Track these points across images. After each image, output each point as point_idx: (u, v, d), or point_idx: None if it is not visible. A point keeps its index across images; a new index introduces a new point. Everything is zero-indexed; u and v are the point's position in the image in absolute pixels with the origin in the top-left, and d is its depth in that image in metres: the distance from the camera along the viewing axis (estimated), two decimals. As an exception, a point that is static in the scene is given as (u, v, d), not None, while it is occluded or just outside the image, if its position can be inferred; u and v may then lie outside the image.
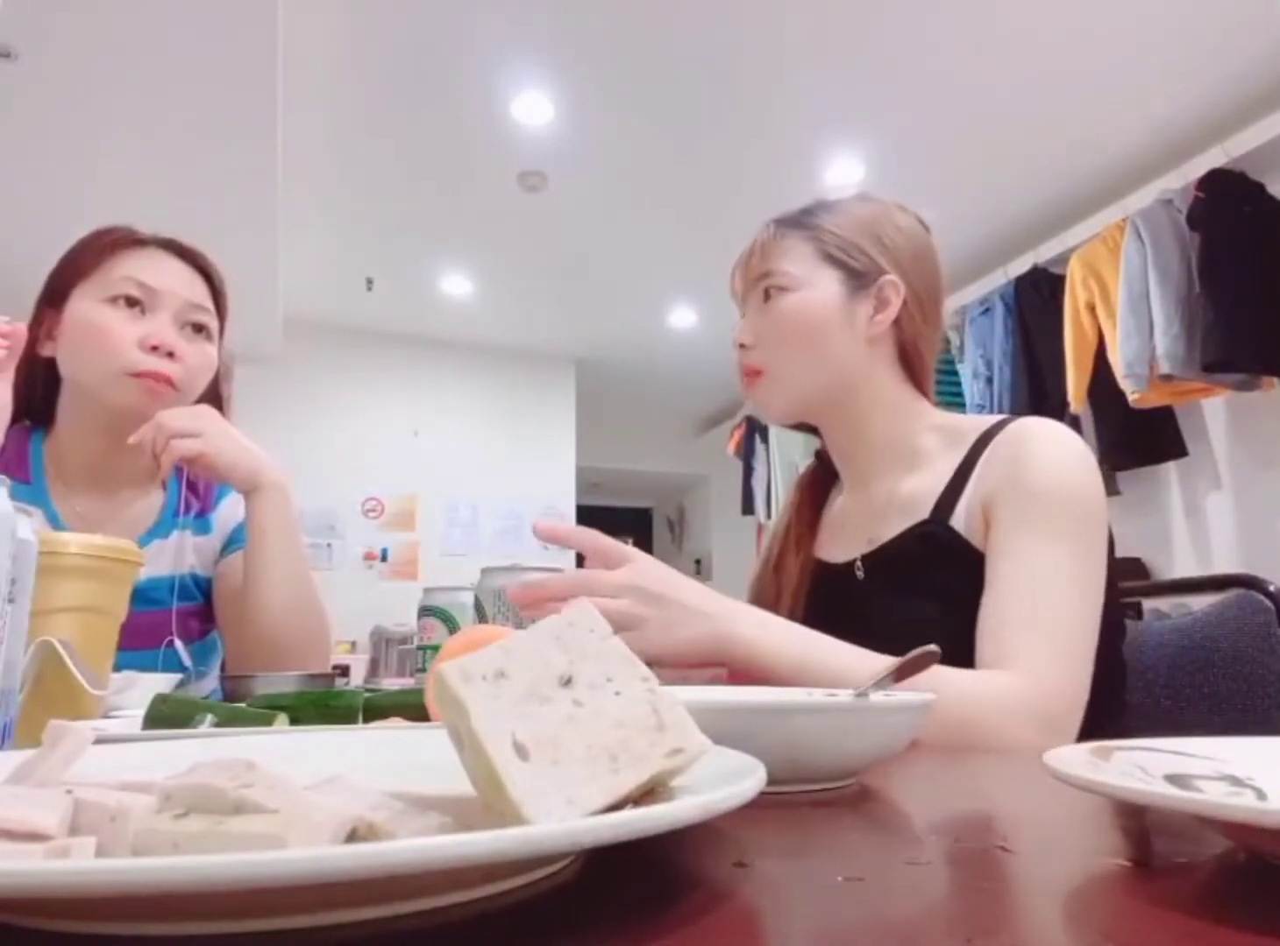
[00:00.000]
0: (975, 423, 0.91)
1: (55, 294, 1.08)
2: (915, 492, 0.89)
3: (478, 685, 0.27)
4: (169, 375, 1.05)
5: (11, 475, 0.99)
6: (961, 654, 0.78)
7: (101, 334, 1.03)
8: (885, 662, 0.67)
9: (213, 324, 1.13)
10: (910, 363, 0.93)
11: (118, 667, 0.95)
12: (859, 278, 0.90)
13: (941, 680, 0.70)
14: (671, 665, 0.75)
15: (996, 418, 0.90)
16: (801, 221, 0.93)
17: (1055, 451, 0.82)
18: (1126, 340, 3.12)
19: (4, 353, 0.90)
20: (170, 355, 1.06)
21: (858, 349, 0.91)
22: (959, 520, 0.84)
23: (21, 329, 0.92)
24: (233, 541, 1.18)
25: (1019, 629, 0.75)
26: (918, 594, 0.86)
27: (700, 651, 0.70)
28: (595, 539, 0.73)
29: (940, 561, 0.85)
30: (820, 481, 1.07)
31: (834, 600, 0.94)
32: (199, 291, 1.12)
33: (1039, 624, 0.75)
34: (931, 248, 0.96)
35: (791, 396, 0.93)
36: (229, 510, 1.20)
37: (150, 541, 1.11)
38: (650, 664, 0.76)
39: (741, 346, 0.94)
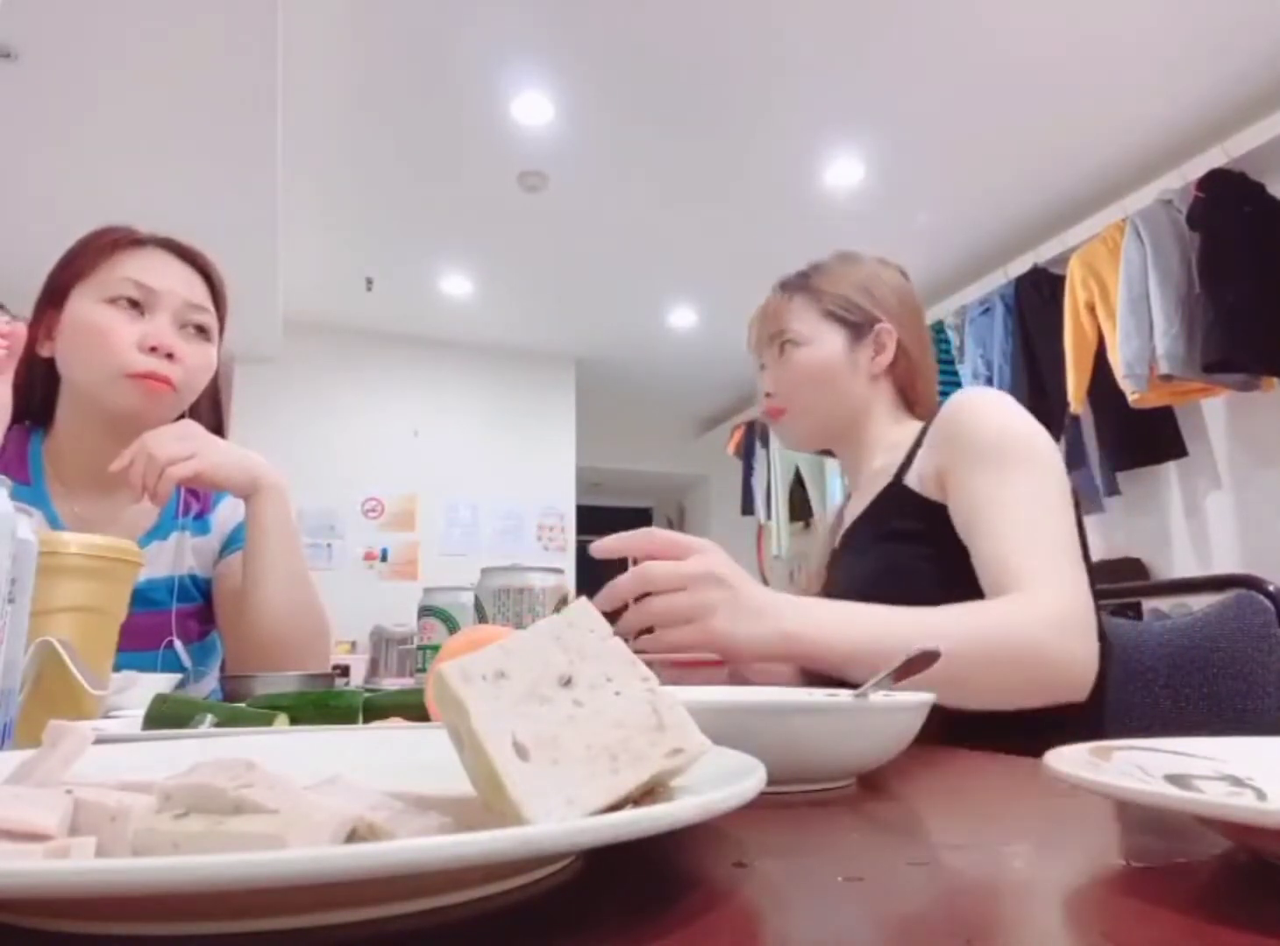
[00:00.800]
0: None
1: (55, 294, 1.07)
2: (886, 467, 1.02)
3: (478, 685, 0.27)
4: (168, 376, 1.05)
5: (11, 476, 0.99)
6: (909, 587, 0.88)
7: (100, 335, 1.03)
8: (939, 613, 0.74)
9: (212, 324, 1.13)
10: (908, 394, 1.09)
11: (117, 668, 0.95)
12: (856, 329, 1.06)
13: (959, 611, 0.75)
14: (733, 661, 0.79)
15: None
16: (804, 286, 1.10)
17: (987, 403, 0.93)
18: (1126, 340, 3.12)
19: (3, 352, 0.89)
20: (169, 356, 1.05)
21: (861, 388, 1.07)
22: (913, 479, 0.96)
23: (21, 329, 0.91)
24: (232, 542, 1.17)
25: (1017, 555, 0.81)
26: (876, 540, 0.98)
27: (765, 649, 0.72)
28: (653, 536, 0.74)
29: (895, 512, 0.96)
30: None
31: (832, 569, 1.08)
32: (198, 291, 1.12)
33: (1032, 545, 0.81)
34: (912, 294, 1.12)
35: (808, 429, 1.11)
36: (228, 511, 1.20)
37: (149, 542, 1.11)
38: (721, 656, 0.75)
39: (766, 394, 1.13)
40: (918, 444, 0.98)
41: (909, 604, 0.76)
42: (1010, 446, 0.88)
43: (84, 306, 1.05)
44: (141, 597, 1.01)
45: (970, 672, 0.72)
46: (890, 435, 1.07)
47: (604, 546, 0.74)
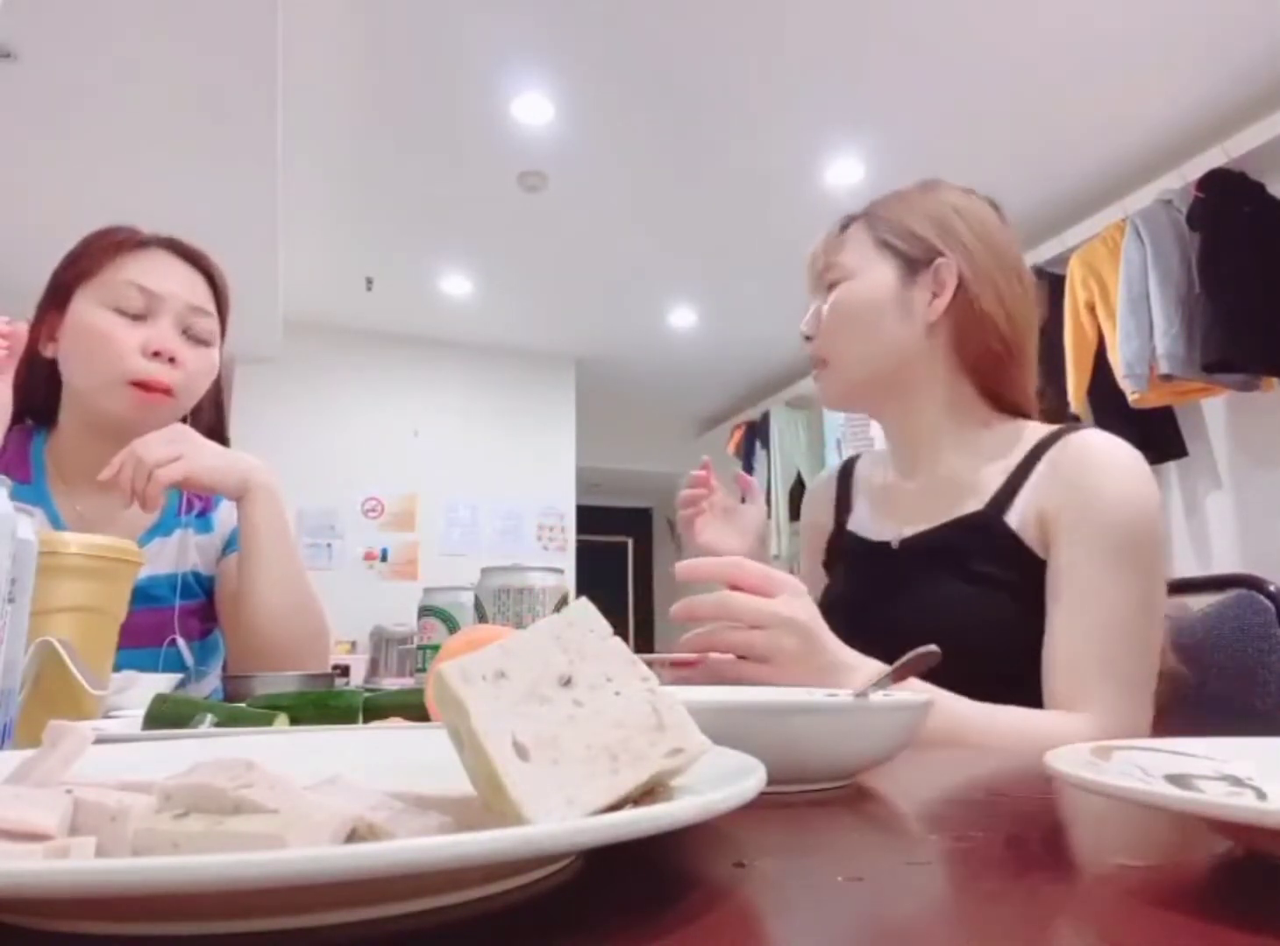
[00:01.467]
0: (1033, 427, 0.91)
1: (58, 295, 1.07)
2: (968, 483, 0.89)
3: (478, 685, 0.27)
4: (168, 384, 1.05)
5: (12, 476, 1.00)
6: (989, 644, 0.80)
7: (103, 339, 1.03)
8: (1003, 713, 0.70)
9: (214, 327, 1.13)
10: (970, 351, 0.90)
11: (119, 667, 0.96)
12: (912, 263, 0.90)
13: (1023, 721, 0.72)
14: None
15: (1054, 426, 0.90)
16: (864, 213, 0.95)
17: (1125, 474, 0.81)
18: (1126, 340, 3.12)
19: (3, 353, 0.89)
20: (171, 361, 1.06)
21: (914, 336, 0.90)
22: (1014, 519, 0.84)
23: (22, 329, 0.92)
24: (233, 542, 1.17)
25: (1094, 670, 0.76)
26: (959, 577, 0.85)
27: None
28: (743, 567, 0.70)
29: (988, 552, 0.85)
30: (850, 475, 1.09)
31: (870, 575, 0.95)
32: (201, 294, 1.12)
33: (1115, 666, 0.76)
34: (1002, 231, 0.93)
35: (847, 381, 0.95)
36: (230, 509, 1.20)
37: (151, 539, 1.11)
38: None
39: (806, 338, 0.96)
40: (1022, 473, 0.86)
41: (989, 662, 0.74)
42: (1133, 535, 0.79)
43: (87, 310, 1.05)
44: (144, 594, 1.02)
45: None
46: (966, 426, 0.92)
47: (691, 569, 0.70)
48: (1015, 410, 0.94)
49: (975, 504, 0.87)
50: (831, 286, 0.93)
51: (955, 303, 0.89)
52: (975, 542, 0.86)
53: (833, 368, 0.94)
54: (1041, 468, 0.85)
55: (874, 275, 0.91)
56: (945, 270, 0.89)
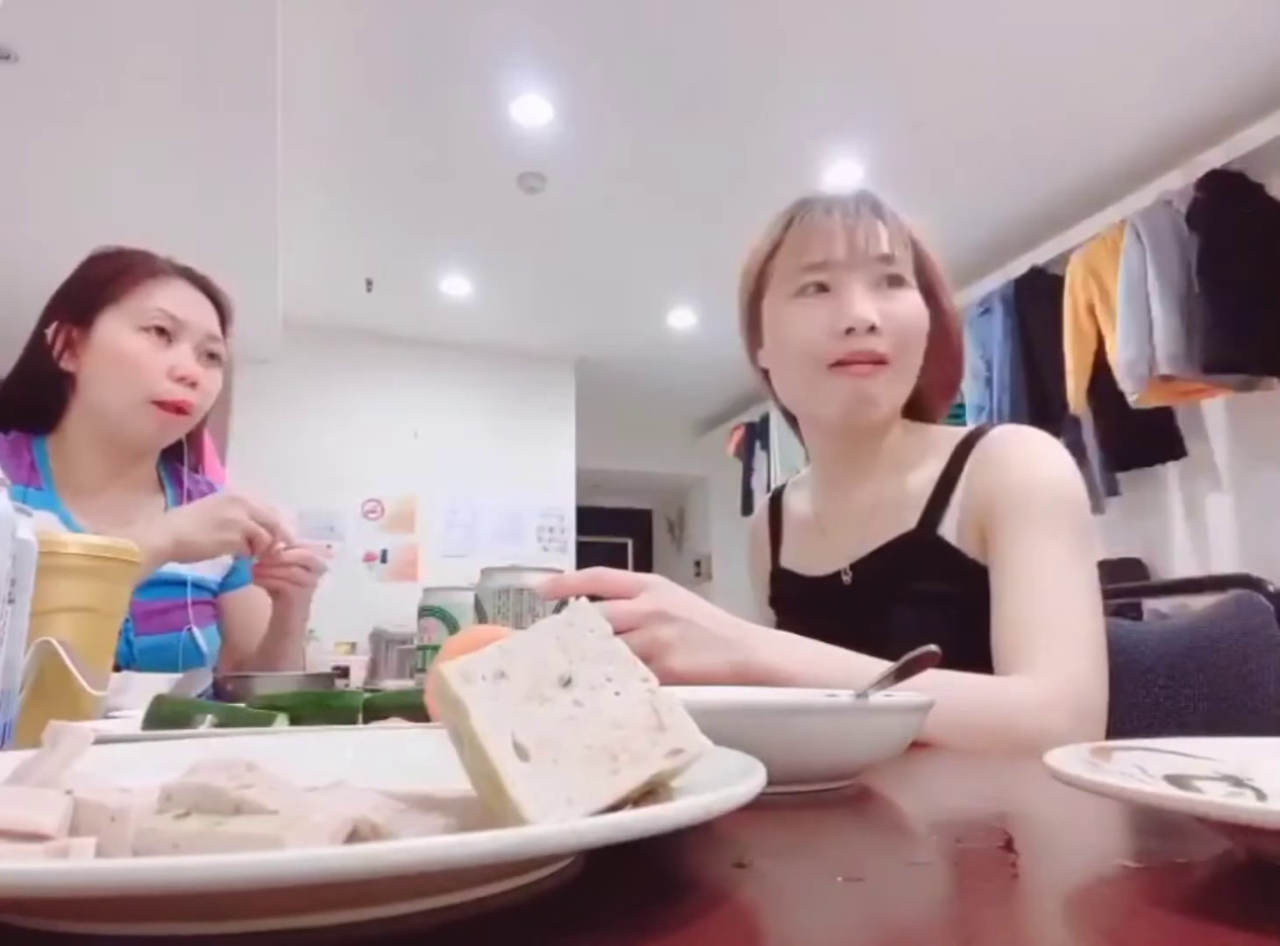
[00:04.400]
0: (945, 431, 0.92)
1: (79, 312, 1.13)
2: (897, 500, 0.89)
3: (478, 685, 0.27)
4: (189, 404, 1.15)
5: (24, 482, 1.04)
6: (956, 661, 0.77)
7: (134, 362, 1.12)
8: (948, 681, 0.68)
9: (224, 350, 1.22)
10: (932, 374, 0.93)
11: (141, 652, 1.00)
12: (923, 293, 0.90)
13: (972, 684, 0.71)
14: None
15: (967, 428, 0.90)
16: (900, 225, 0.89)
17: (1044, 454, 0.83)
18: (1126, 341, 3.12)
19: None
20: (192, 384, 1.15)
21: None
22: (949, 529, 0.85)
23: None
24: (235, 576, 1.27)
25: (1039, 631, 0.75)
26: (906, 601, 0.86)
27: (721, 676, 0.69)
28: (601, 577, 0.70)
29: (930, 570, 0.85)
30: (779, 509, 1.09)
31: (819, 611, 0.94)
32: (213, 320, 1.21)
33: (1057, 623, 0.75)
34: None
35: (899, 397, 0.89)
36: None
37: None
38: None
39: (871, 329, 0.83)
40: (948, 482, 0.86)
41: (980, 665, 0.73)
42: (1057, 505, 0.80)
43: (119, 333, 1.12)
44: (159, 582, 1.10)
45: (949, 739, 0.66)
46: (890, 436, 0.92)
47: (552, 588, 0.71)
48: (927, 417, 0.95)
49: (910, 521, 0.87)
50: (892, 282, 0.86)
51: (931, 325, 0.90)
52: (916, 561, 0.86)
53: (895, 374, 0.86)
54: (966, 474, 0.85)
55: (916, 292, 0.88)
56: (929, 296, 0.89)
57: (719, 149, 3.48)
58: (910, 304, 0.86)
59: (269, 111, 2.87)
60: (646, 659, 0.68)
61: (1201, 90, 3.04)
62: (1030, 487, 0.81)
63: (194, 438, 1.26)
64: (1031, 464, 0.82)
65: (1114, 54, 2.89)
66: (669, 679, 0.67)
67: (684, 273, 4.63)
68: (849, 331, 0.83)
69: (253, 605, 1.24)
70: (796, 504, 1.06)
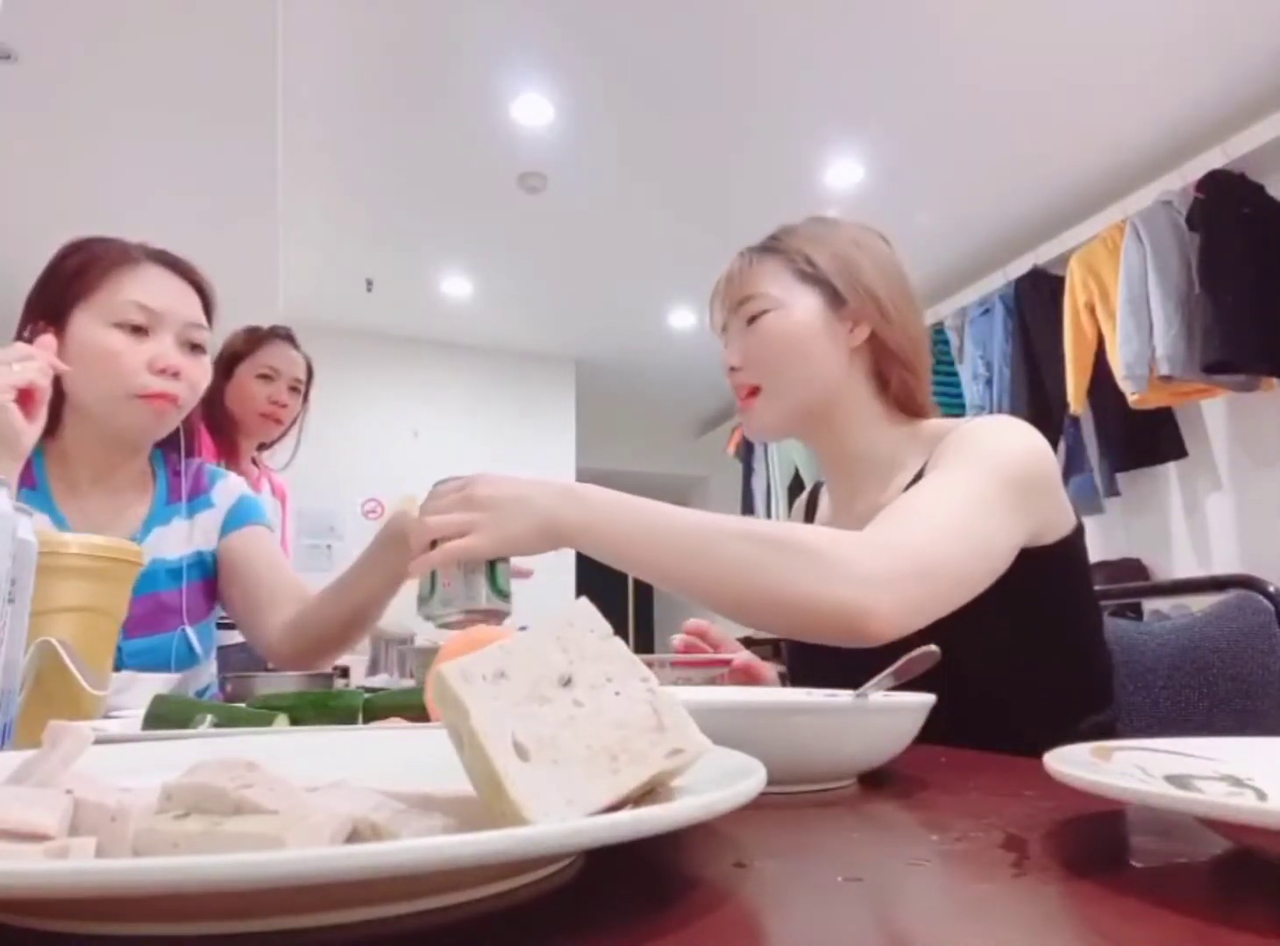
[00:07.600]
0: (940, 425, 0.91)
1: (51, 311, 1.10)
2: (889, 499, 0.89)
3: (478, 685, 0.27)
4: (175, 395, 1.11)
5: (18, 483, 1.03)
6: (964, 658, 0.77)
7: (111, 358, 1.08)
8: (730, 520, 0.72)
9: (208, 338, 1.18)
10: (886, 376, 0.95)
11: (131, 655, 0.99)
12: (834, 293, 0.93)
13: (784, 531, 0.70)
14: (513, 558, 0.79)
15: (950, 420, 0.91)
16: (772, 247, 0.97)
17: (1003, 425, 0.84)
18: (1126, 341, 3.12)
19: (45, 373, 0.95)
20: (175, 375, 1.11)
21: (839, 361, 0.93)
22: None
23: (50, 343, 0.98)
24: (232, 519, 1.23)
25: (899, 512, 0.74)
26: None
27: (532, 542, 0.73)
28: (438, 495, 0.79)
29: None
30: (815, 506, 1.11)
31: None
32: (194, 308, 1.16)
33: (908, 512, 0.74)
34: (895, 261, 0.98)
35: (784, 410, 0.95)
36: (229, 484, 1.27)
37: (150, 531, 1.16)
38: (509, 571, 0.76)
39: (732, 369, 0.97)
40: (923, 472, 0.86)
41: (976, 662, 0.72)
42: (975, 452, 0.80)
43: (91, 329, 1.09)
44: (151, 581, 1.09)
45: (736, 590, 0.66)
46: (882, 443, 0.94)
47: (418, 565, 0.78)
48: (918, 413, 0.96)
49: None
50: (754, 318, 0.94)
51: (870, 331, 0.93)
52: None
53: (767, 396, 0.94)
54: (934, 459, 0.87)
55: (803, 304, 0.93)
56: (863, 300, 0.93)
57: (720, 149, 3.48)
58: (764, 333, 0.93)
59: (269, 111, 2.87)
60: (464, 534, 0.72)
61: (1201, 90, 3.04)
62: (965, 442, 0.82)
63: (189, 426, 1.23)
64: (982, 430, 0.83)
65: (1114, 54, 2.89)
66: (484, 544, 0.74)
67: (684, 272, 4.63)
68: (732, 371, 0.97)
69: (265, 544, 1.24)
70: (824, 506, 1.08)
